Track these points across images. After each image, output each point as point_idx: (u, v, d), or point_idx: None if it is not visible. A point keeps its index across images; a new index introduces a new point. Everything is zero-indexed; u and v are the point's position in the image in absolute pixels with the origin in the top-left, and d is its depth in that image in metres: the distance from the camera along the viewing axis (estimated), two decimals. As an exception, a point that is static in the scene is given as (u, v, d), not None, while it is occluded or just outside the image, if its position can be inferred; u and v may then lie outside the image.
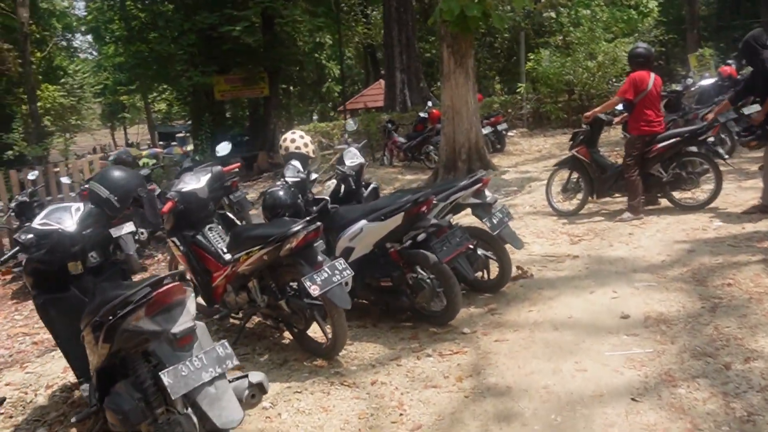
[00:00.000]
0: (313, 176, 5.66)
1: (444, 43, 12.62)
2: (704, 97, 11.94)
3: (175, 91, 26.31)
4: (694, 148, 7.23)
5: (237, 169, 8.65)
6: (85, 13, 29.99)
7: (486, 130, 15.38)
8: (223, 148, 7.01)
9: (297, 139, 5.80)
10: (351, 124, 7.88)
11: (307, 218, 4.39)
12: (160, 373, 2.86)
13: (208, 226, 5.07)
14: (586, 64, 18.86)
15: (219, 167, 5.88)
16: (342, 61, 16.81)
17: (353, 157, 6.18)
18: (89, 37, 45.38)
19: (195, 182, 5.09)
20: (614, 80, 19.18)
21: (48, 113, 45.16)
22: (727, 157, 7.27)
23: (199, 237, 4.97)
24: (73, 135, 56.09)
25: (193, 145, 26.89)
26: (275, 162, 21.19)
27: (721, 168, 7.25)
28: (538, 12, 23.18)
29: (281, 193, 5.03)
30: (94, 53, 50.53)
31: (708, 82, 12.76)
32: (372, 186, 6.37)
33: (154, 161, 24.30)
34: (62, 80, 45.77)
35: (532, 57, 20.48)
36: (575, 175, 8.07)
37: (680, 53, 32.75)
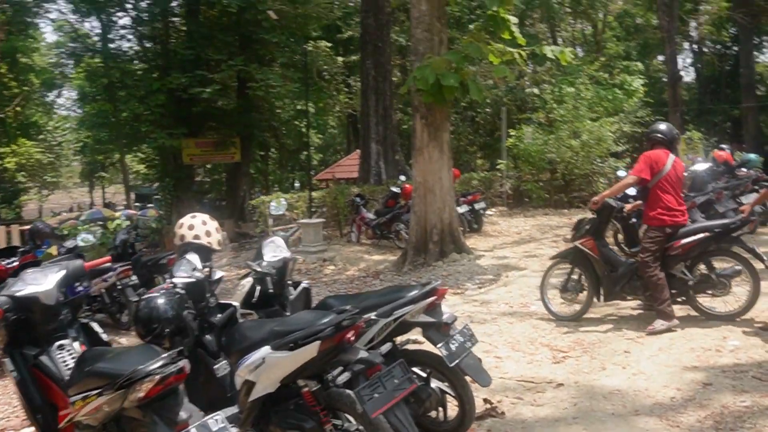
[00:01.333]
0: (218, 274, 4.35)
1: (417, 114, 11.58)
2: (697, 183, 10.86)
3: (143, 153, 25.12)
4: (725, 246, 6.05)
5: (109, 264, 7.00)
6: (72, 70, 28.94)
7: (462, 209, 14.25)
8: (279, 208, 5.73)
9: (197, 225, 4.46)
10: (275, 208, 6.38)
11: (177, 349, 3.06)
12: None
13: (58, 343, 3.72)
14: (569, 143, 17.98)
15: (79, 261, 4.40)
16: (308, 128, 15.92)
17: (276, 251, 4.87)
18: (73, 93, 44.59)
19: (39, 282, 3.75)
20: (598, 160, 18.28)
21: (23, 169, 43.89)
22: (766, 259, 5.95)
23: (44, 358, 3.62)
24: (49, 192, 54.84)
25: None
26: (243, 231, 19.94)
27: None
28: (520, 88, 22.51)
29: (160, 301, 3.67)
30: (78, 110, 49.60)
31: (702, 167, 11.73)
32: (302, 286, 5.05)
33: (128, 223, 22.96)
34: (41, 136, 44.66)
35: (513, 133, 19.62)
36: (577, 272, 6.67)
37: (662, 136, 32.22)
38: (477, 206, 14.90)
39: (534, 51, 11.77)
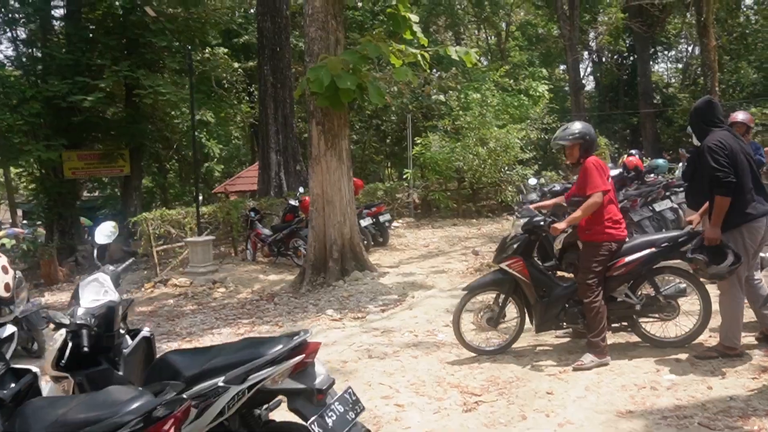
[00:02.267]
0: (7, 331, 3.19)
1: (313, 120, 10.59)
2: (609, 191, 10.39)
3: (22, 167, 22.94)
4: (672, 263, 5.27)
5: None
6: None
7: (366, 222, 13.35)
8: (105, 232, 4.39)
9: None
10: (102, 236, 4.62)
11: None
12: None
13: None
14: (476, 150, 17.43)
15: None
16: (194, 135, 14.40)
17: (98, 292, 3.72)
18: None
19: None
20: (506, 168, 17.80)
21: None
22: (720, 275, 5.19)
23: None
24: None
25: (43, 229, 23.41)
26: (133, 251, 18.35)
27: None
28: (426, 95, 21.88)
29: None
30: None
31: (612, 173, 11.26)
32: (142, 335, 3.92)
33: (14, 242, 20.86)
34: None
35: (419, 141, 18.92)
36: (502, 298, 5.56)
37: (566, 143, 32.45)
38: (382, 218, 14.04)
39: (438, 53, 11.04)
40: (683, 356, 5.05)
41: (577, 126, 5.32)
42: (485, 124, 17.83)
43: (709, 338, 5.36)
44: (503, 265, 5.34)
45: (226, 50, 24.43)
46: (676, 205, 10.64)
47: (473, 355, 5.54)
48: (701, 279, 5.14)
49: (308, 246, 10.98)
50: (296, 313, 8.97)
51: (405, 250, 13.84)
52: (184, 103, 27.31)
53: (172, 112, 25.84)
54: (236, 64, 22.85)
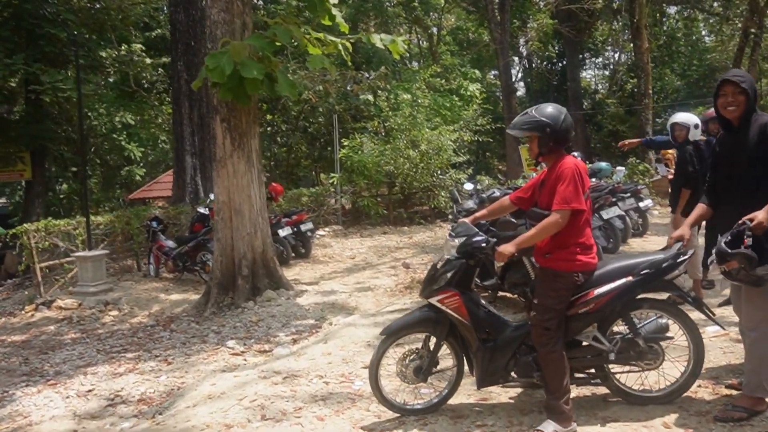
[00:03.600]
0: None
1: (217, 117, 9.20)
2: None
3: None
4: (655, 296, 4.06)
5: None
6: None
7: (285, 232, 12.01)
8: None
9: None
10: None
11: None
12: None
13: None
14: (407, 153, 16.28)
15: None
16: (81, 131, 12.67)
17: None
18: None
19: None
20: (439, 172, 16.70)
21: None
22: (714, 315, 4.00)
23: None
24: None
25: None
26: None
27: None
28: (354, 94, 20.63)
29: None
30: None
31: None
32: None
33: None
34: None
35: (347, 143, 17.65)
36: (433, 342, 4.18)
37: (497, 147, 31.85)
38: (304, 227, 12.71)
39: (361, 41, 9.82)
40: (674, 417, 3.90)
41: (542, 110, 3.91)
42: (416, 125, 16.71)
43: (699, 389, 4.23)
44: (434, 301, 4.01)
45: (141, 46, 22.63)
46: (623, 212, 9.71)
47: (397, 415, 4.26)
48: (732, 284, 3.83)
49: (214, 261, 9.57)
50: (192, 344, 7.55)
51: (329, 263, 12.53)
52: (99, 103, 25.44)
53: (89, 113, 23.93)
54: (148, 60, 20.92)
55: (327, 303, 8.72)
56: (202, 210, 11.93)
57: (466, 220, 4.10)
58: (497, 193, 8.88)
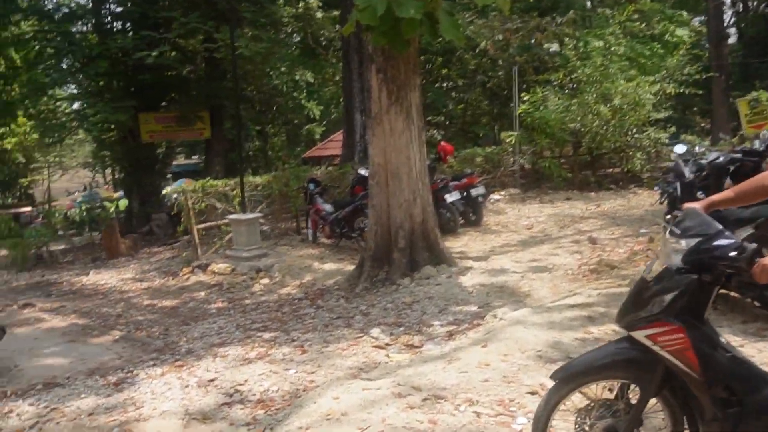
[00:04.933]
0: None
1: (372, 66, 8.06)
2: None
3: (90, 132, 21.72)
4: None
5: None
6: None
7: (452, 197, 10.76)
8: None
9: None
10: None
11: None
12: None
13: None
14: (597, 109, 14.26)
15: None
16: (237, 83, 12.08)
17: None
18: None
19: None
20: (635, 130, 14.54)
21: (24, 149, 41.00)
22: None
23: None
24: (63, 173, 52.03)
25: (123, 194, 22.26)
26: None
27: None
28: (537, 44, 18.70)
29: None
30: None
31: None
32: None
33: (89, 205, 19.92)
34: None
35: (527, 98, 15.92)
36: (632, 395, 2.69)
37: (701, 102, 28.07)
38: (474, 192, 11.39)
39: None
40: None
41: None
42: (609, 76, 14.61)
43: None
44: (641, 336, 2.48)
45: (318, 2, 22.15)
46: None
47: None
48: None
49: (368, 231, 8.56)
50: (334, 328, 6.57)
51: (501, 233, 11.12)
52: (281, 62, 25.43)
53: (270, 72, 23.99)
54: (319, 15, 20.34)
55: (494, 285, 7.36)
56: (362, 171, 10.95)
57: (697, 205, 2.52)
58: (720, 158, 6.86)
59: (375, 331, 6.17)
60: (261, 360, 5.79)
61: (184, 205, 10.36)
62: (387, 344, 5.85)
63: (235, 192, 10.85)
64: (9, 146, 40.20)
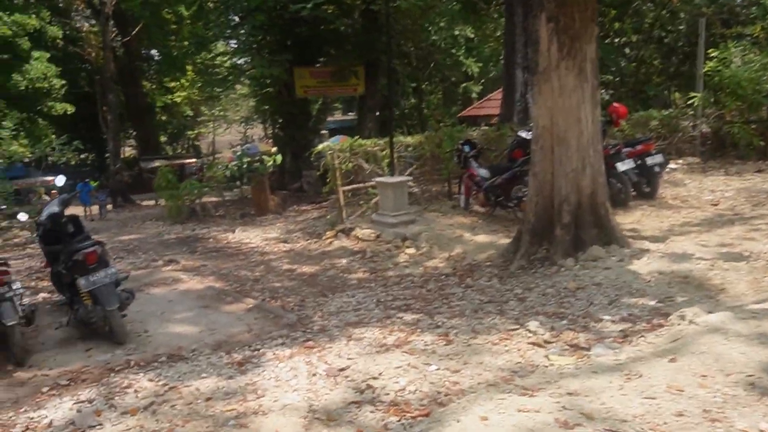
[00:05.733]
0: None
1: (542, 14, 6.97)
2: None
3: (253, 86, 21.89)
4: None
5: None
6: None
7: (625, 165, 9.49)
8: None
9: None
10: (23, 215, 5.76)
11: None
12: None
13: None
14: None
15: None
16: (390, 46, 11.28)
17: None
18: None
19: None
20: None
21: (191, 102, 43.26)
22: None
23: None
24: (227, 126, 54.60)
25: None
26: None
27: None
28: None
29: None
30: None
31: None
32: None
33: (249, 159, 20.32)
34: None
35: (715, 55, 13.95)
36: None
37: None
38: (650, 161, 10.02)
39: None
40: None
41: None
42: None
43: None
44: None
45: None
46: None
47: None
48: None
49: (528, 201, 7.58)
50: (485, 314, 5.73)
51: (681, 209, 9.70)
52: (440, 17, 24.45)
53: (429, 27, 23.15)
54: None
55: (676, 274, 6.18)
56: (523, 134, 9.86)
57: None
58: None
59: (532, 324, 5.27)
60: (399, 348, 5.09)
61: (330, 164, 9.83)
62: (546, 341, 4.95)
63: (384, 152, 10.18)
64: (178, 100, 42.41)
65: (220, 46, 22.27)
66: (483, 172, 9.75)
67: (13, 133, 23.97)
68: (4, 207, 10.06)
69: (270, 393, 4.46)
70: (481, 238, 8.74)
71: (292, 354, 5.12)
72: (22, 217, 6.04)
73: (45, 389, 4.76)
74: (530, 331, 5.14)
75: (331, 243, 9.31)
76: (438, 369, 4.60)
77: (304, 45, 18.10)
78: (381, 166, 10.24)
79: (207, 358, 5.08)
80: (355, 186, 10.22)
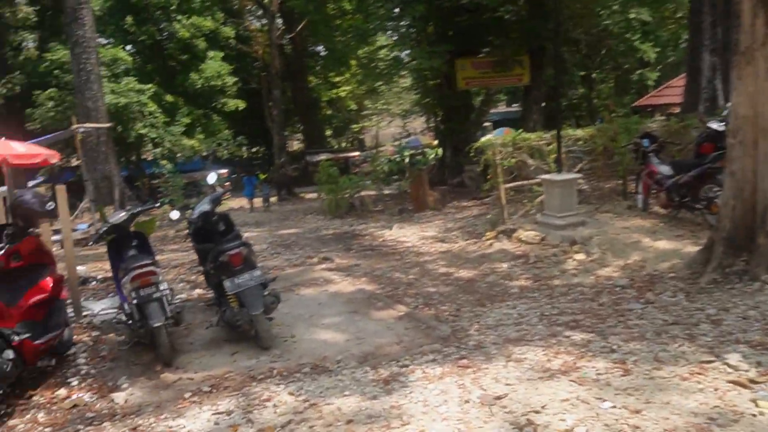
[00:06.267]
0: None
1: (747, -17, 5.88)
2: None
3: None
4: None
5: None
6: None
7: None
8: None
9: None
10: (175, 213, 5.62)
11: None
12: None
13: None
14: None
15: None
16: (559, 27, 10.28)
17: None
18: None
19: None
20: None
21: (355, 97, 44.15)
22: None
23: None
24: (391, 119, 55.40)
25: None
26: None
27: None
28: None
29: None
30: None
31: None
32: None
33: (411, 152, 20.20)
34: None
35: None
36: None
37: None
38: None
39: None
40: None
41: None
42: None
43: None
44: None
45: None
46: None
47: None
48: None
49: (722, 204, 6.49)
50: (671, 340, 4.84)
51: None
52: (612, 0, 22.85)
53: (599, 11, 21.72)
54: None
55: None
56: (715, 125, 8.59)
57: None
58: None
59: (733, 356, 4.35)
60: (566, 375, 4.38)
61: (491, 160, 9.15)
62: (752, 381, 4.02)
63: (550, 147, 9.33)
64: (343, 94, 43.26)
65: (382, 38, 22.21)
66: (665, 169, 8.62)
67: (184, 129, 25.40)
68: (157, 204, 10.31)
69: (416, 420, 3.94)
70: (663, 244, 7.68)
71: (443, 374, 4.56)
72: (174, 215, 5.92)
73: (187, 395, 4.55)
74: (730, 366, 4.23)
75: (491, 245, 8.65)
76: (613, 407, 3.84)
77: (465, 35, 17.46)
78: (547, 162, 9.40)
79: (351, 372, 4.65)
80: (518, 183, 9.47)
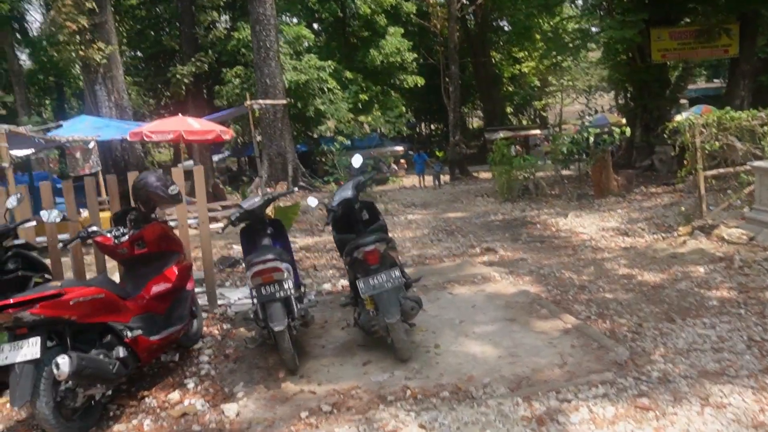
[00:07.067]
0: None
1: None
2: None
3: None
4: None
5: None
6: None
7: None
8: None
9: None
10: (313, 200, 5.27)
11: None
12: None
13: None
14: None
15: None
16: None
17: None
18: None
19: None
20: None
21: (538, 72, 42.41)
22: None
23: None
24: (575, 97, 52.93)
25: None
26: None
27: None
28: None
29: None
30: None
31: None
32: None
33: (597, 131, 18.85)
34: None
35: None
36: None
37: None
38: None
39: None
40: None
41: None
42: None
43: None
44: None
45: None
46: None
47: None
48: None
49: None
50: None
51: None
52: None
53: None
54: None
55: None
56: None
57: None
58: None
59: None
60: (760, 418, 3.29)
61: (690, 142, 7.77)
62: None
63: (764, 128, 7.77)
64: (526, 70, 41.58)
65: (568, 9, 20.61)
66: None
67: (351, 105, 25.31)
68: (295, 189, 9.92)
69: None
70: None
71: (615, 417, 3.61)
72: (312, 202, 5.28)
73: (304, 414, 3.95)
74: None
75: (684, 242, 7.34)
76: None
77: (662, 1, 15.61)
78: (760, 146, 7.84)
79: (498, 404, 3.82)
80: (721, 171, 8.00)
